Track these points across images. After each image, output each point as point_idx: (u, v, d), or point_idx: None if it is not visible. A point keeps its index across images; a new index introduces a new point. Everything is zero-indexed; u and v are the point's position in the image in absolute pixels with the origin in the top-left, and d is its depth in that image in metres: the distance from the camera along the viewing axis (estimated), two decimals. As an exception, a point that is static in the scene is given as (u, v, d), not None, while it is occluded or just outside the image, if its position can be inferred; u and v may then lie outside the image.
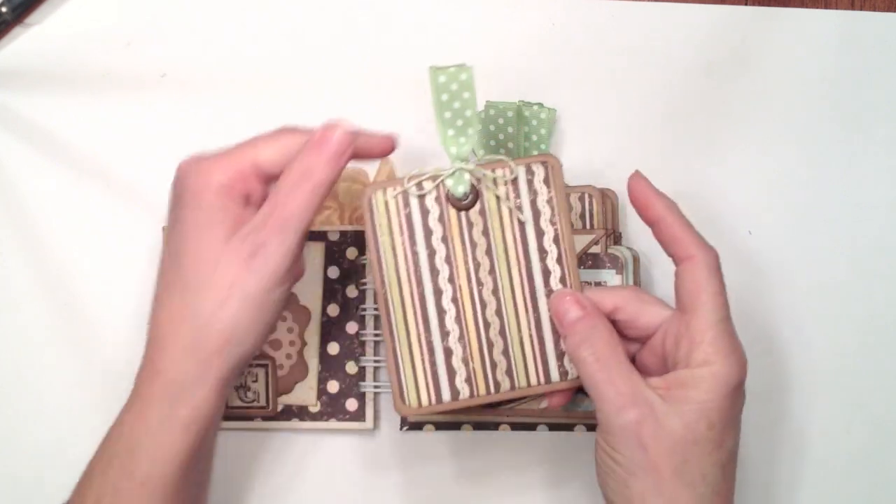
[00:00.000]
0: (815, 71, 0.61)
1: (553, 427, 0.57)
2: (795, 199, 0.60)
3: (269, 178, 0.47)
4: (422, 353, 0.48)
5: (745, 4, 0.61)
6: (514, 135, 0.56)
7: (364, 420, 0.57)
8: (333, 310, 0.57)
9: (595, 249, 0.55)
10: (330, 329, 0.57)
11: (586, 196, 0.57)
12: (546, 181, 0.48)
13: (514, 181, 0.48)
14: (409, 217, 0.48)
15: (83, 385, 0.58)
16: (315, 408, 0.57)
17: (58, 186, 0.59)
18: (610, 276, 0.55)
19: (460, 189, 0.48)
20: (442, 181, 0.48)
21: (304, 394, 0.57)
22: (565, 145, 0.60)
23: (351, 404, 0.57)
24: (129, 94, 0.60)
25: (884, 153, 0.60)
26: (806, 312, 0.59)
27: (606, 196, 0.57)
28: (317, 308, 0.57)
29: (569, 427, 0.57)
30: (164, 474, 0.45)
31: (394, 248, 0.48)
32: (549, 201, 0.48)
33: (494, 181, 0.48)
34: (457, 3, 0.61)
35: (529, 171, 0.48)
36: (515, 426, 0.57)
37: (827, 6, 0.62)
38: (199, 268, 0.45)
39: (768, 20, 0.61)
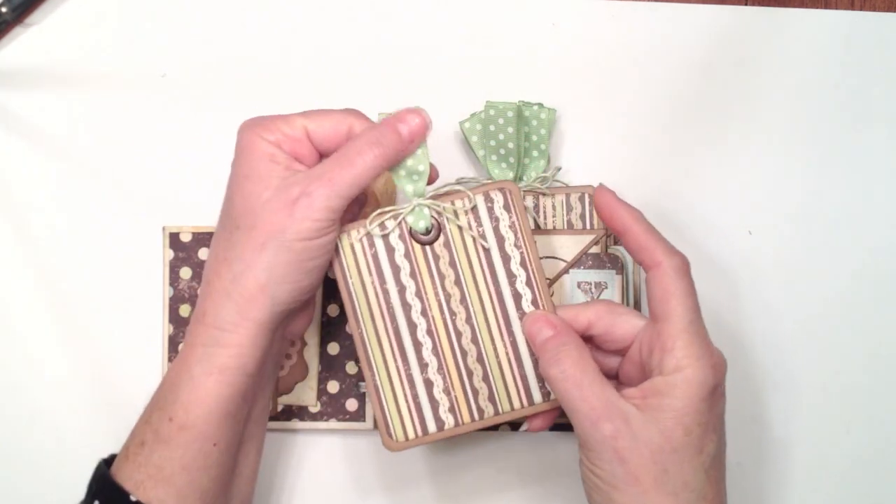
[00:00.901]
0: (815, 71, 0.61)
1: (553, 427, 0.57)
2: (795, 198, 0.60)
3: (318, 149, 0.48)
4: (403, 388, 0.49)
5: (745, 4, 0.61)
6: (514, 135, 0.56)
7: (364, 420, 0.57)
8: (333, 310, 0.57)
9: (595, 249, 0.55)
10: (330, 329, 0.57)
11: (586, 196, 0.57)
12: (506, 207, 0.49)
13: (475, 210, 0.48)
14: (375, 257, 0.48)
15: (81, 385, 0.58)
16: (315, 408, 0.57)
17: (57, 186, 0.59)
18: (610, 277, 0.55)
19: (422, 224, 0.48)
20: (403, 218, 0.48)
21: (304, 394, 0.57)
22: (565, 145, 0.60)
23: (351, 404, 0.57)
24: (129, 94, 0.60)
25: (884, 153, 0.60)
26: (806, 312, 0.59)
27: (606, 196, 0.57)
28: (317, 308, 0.57)
29: (569, 427, 0.57)
30: (201, 419, 0.45)
31: (364, 288, 0.48)
32: (512, 226, 0.49)
33: (455, 212, 0.48)
34: (457, 3, 0.61)
35: (488, 199, 0.49)
36: (515, 426, 0.57)
37: (827, 6, 0.62)
38: (246, 213, 0.46)
39: (768, 20, 0.61)
